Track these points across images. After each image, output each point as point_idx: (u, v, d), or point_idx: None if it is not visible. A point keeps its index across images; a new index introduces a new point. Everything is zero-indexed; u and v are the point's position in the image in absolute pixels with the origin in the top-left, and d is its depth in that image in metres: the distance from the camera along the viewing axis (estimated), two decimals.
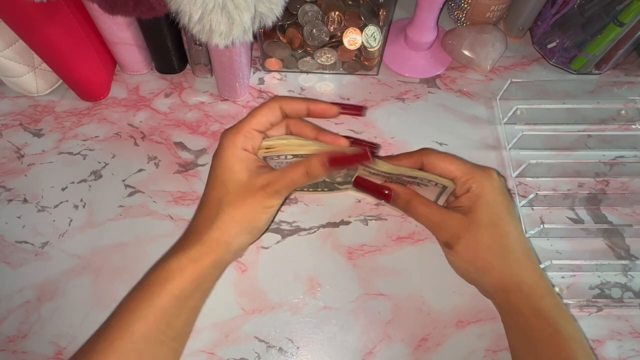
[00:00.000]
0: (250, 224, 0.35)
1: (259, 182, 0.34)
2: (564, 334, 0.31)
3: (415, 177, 0.36)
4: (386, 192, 0.38)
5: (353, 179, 0.39)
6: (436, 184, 0.36)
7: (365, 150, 0.34)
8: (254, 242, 0.38)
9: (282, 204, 0.38)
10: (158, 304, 0.31)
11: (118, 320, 0.31)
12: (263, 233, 0.38)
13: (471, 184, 0.35)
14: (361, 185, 0.39)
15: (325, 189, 0.42)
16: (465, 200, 0.35)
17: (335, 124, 0.46)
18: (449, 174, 0.36)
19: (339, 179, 0.41)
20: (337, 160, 0.34)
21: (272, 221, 0.37)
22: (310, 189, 0.42)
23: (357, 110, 0.37)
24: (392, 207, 0.39)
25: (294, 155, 0.36)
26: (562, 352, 0.31)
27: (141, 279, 0.33)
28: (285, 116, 0.37)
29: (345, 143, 0.36)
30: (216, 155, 0.35)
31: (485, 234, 0.33)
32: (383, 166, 0.36)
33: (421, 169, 0.37)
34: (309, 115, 0.36)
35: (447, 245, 0.35)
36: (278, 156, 0.36)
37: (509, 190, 0.44)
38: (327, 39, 0.45)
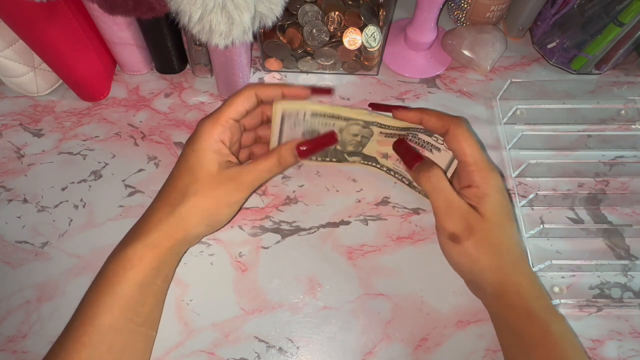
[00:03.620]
0: (212, 216, 0.35)
1: (229, 173, 0.35)
2: (555, 334, 0.31)
3: (431, 135, 0.37)
4: (417, 158, 0.37)
5: (395, 142, 0.39)
6: (447, 149, 0.37)
7: (333, 133, 0.38)
8: (209, 234, 0.38)
9: (246, 200, 0.38)
10: (121, 294, 0.32)
11: (83, 315, 0.31)
12: (221, 227, 0.38)
13: (476, 177, 0.34)
14: (400, 147, 0.39)
15: (334, 159, 0.42)
16: (470, 195, 0.34)
17: None
18: (462, 155, 0.35)
19: (350, 148, 0.41)
20: (307, 149, 0.37)
21: (233, 216, 0.38)
22: (319, 158, 0.42)
23: (326, 91, 0.41)
24: (414, 174, 0.38)
25: (313, 113, 0.37)
26: (553, 352, 0.31)
27: (101, 269, 0.33)
28: (261, 102, 0.37)
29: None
30: (190, 143, 0.35)
31: (494, 234, 0.33)
32: (397, 123, 0.37)
33: (445, 134, 0.36)
34: (283, 98, 0.38)
35: (454, 238, 0.34)
36: (297, 113, 0.37)
37: (508, 190, 0.44)
38: (327, 39, 0.45)
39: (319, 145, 0.38)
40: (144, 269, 0.33)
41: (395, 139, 0.39)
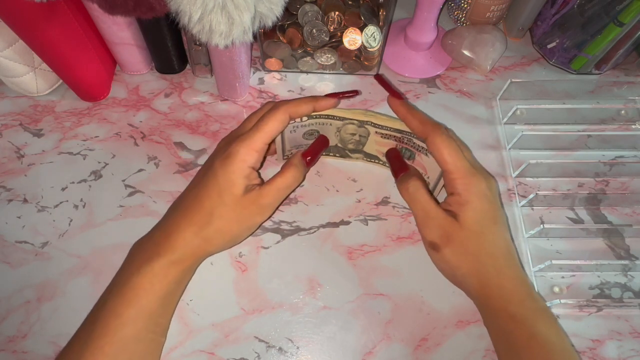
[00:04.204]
0: (233, 239, 0.37)
1: (251, 197, 0.35)
2: (540, 338, 0.31)
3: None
4: (403, 168, 0.38)
5: (386, 151, 0.40)
6: None
7: (323, 136, 0.40)
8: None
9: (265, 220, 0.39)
10: (146, 307, 0.33)
11: (105, 325, 0.32)
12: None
13: (458, 184, 0.34)
14: (390, 155, 0.40)
15: (337, 155, 0.43)
16: (452, 202, 0.35)
17: None
18: (442, 164, 0.35)
19: (350, 146, 0.42)
20: (311, 158, 0.39)
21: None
22: (323, 153, 0.43)
23: (353, 93, 0.39)
24: (398, 185, 0.38)
25: (309, 117, 0.38)
26: (540, 355, 0.31)
27: (122, 279, 0.34)
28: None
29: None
30: (223, 165, 0.35)
31: (472, 241, 0.34)
32: (390, 123, 0.37)
33: (425, 141, 0.36)
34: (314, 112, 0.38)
35: (434, 247, 0.35)
36: (294, 120, 0.37)
37: (508, 190, 0.44)
38: (327, 39, 0.45)
39: (318, 151, 0.40)
40: (168, 284, 0.34)
41: (391, 141, 0.40)
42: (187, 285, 0.37)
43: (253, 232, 0.39)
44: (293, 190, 0.39)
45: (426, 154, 0.38)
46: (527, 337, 0.32)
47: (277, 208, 0.38)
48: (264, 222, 0.39)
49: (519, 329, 0.32)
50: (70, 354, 0.32)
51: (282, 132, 0.38)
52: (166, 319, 0.35)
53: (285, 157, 0.42)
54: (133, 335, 0.32)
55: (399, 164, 0.39)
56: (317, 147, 0.40)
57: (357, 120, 0.38)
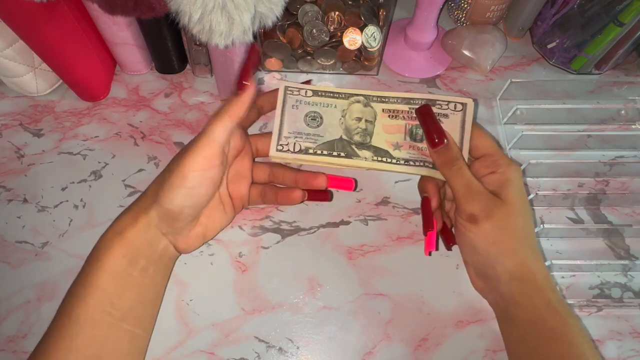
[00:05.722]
0: (176, 188, 0.32)
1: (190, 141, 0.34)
2: (574, 328, 0.31)
3: (435, 104, 0.37)
4: (440, 138, 0.36)
5: (419, 108, 0.37)
6: (455, 112, 0.38)
7: (253, 45, 0.37)
8: (191, 213, 0.34)
9: (222, 169, 0.34)
10: (94, 284, 0.31)
11: (62, 306, 0.32)
12: (203, 201, 0.34)
13: (499, 166, 0.35)
14: (425, 117, 0.36)
15: (342, 154, 0.38)
16: (492, 181, 0.35)
17: None
18: (482, 148, 0.36)
19: (357, 138, 0.38)
20: (242, 74, 0.34)
21: (214, 189, 0.34)
22: (325, 152, 0.38)
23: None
24: (434, 155, 0.36)
25: (314, 93, 0.39)
26: (572, 346, 0.31)
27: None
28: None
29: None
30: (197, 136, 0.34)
31: (516, 218, 0.33)
32: (397, 94, 0.39)
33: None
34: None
35: (473, 219, 0.34)
36: (299, 91, 0.39)
37: None
38: (327, 39, 0.45)
39: (248, 66, 0.35)
40: (112, 257, 0.32)
41: (400, 121, 0.38)
42: (152, 267, 0.34)
43: (213, 179, 0.33)
44: (233, 120, 0.33)
45: (439, 120, 0.37)
46: (561, 327, 0.31)
47: (223, 146, 0.33)
48: (215, 163, 0.33)
49: (554, 316, 0.31)
50: (40, 340, 0.32)
51: (282, 110, 0.39)
52: (126, 302, 0.32)
53: (279, 146, 0.38)
54: (86, 316, 0.30)
55: (436, 132, 0.36)
56: (246, 63, 0.35)
57: (362, 95, 0.38)
